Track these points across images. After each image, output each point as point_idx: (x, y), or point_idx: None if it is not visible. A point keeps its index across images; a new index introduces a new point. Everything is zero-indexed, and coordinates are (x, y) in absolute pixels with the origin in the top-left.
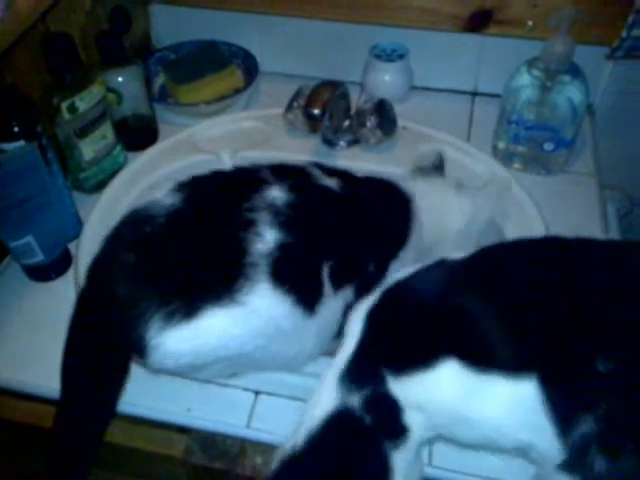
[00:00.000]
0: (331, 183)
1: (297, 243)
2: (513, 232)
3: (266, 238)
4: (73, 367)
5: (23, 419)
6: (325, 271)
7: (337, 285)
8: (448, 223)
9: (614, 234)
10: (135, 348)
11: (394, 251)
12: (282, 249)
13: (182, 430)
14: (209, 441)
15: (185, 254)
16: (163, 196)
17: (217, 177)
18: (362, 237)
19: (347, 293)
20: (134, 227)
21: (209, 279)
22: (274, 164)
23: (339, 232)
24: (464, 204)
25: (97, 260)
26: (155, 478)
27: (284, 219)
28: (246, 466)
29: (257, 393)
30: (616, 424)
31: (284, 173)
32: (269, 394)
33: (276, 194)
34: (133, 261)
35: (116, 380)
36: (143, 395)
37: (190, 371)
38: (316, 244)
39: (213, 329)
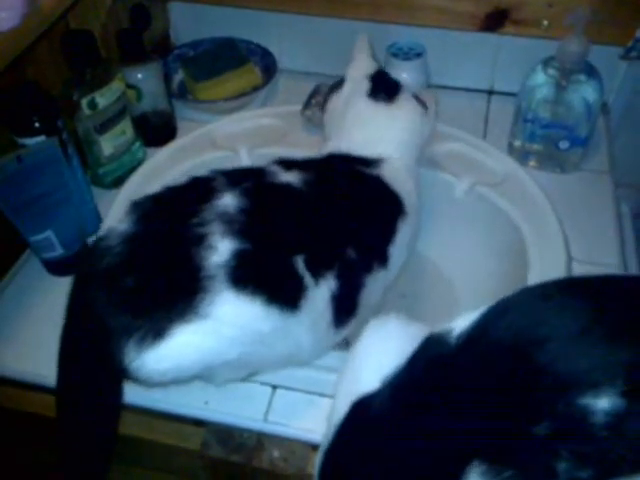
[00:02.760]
0: (290, 177)
1: (255, 246)
2: (528, 230)
3: (220, 249)
4: (68, 376)
5: (41, 411)
6: (300, 264)
7: (316, 275)
8: (423, 129)
9: (628, 233)
10: (122, 372)
11: (386, 231)
12: (239, 255)
13: (199, 423)
14: (226, 434)
15: (144, 278)
16: (118, 222)
17: (169, 193)
18: (330, 224)
19: (329, 282)
20: (96, 259)
21: (170, 299)
22: (230, 169)
23: (302, 224)
24: (415, 108)
25: (72, 294)
26: (172, 471)
27: (238, 226)
28: (263, 459)
29: (274, 387)
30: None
31: (238, 177)
32: (287, 388)
33: (228, 202)
34: (100, 294)
35: (113, 391)
36: (160, 388)
37: (191, 379)
38: (278, 241)
39: (186, 345)
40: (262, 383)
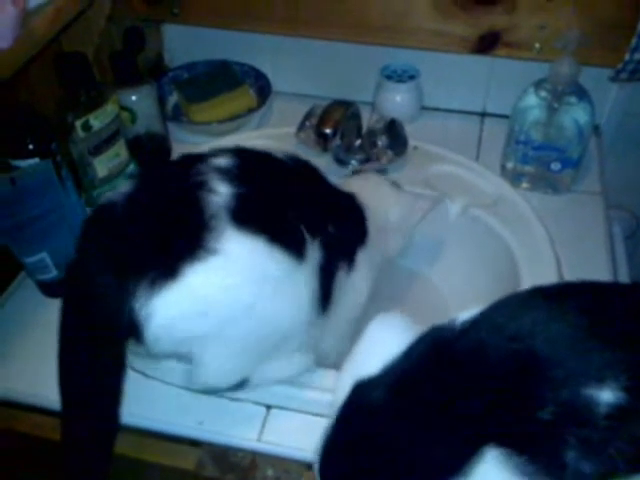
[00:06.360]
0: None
1: (251, 192)
2: (520, 250)
3: (220, 191)
4: (71, 375)
5: (36, 432)
6: (294, 216)
7: (311, 232)
8: (386, 212)
9: (620, 254)
10: (129, 328)
11: (357, 236)
12: (238, 197)
13: (194, 443)
14: (221, 454)
15: (151, 226)
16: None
17: (166, 163)
18: (314, 194)
19: (315, 251)
20: (99, 216)
21: (178, 240)
22: (219, 148)
23: (291, 186)
24: (401, 197)
25: (73, 258)
26: None
27: (232, 175)
28: (257, 478)
29: (268, 407)
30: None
31: (230, 150)
32: (280, 408)
33: (221, 161)
34: (104, 247)
35: (115, 383)
36: (155, 408)
37: (191, 352)
38: (272, 193)
39: (198, 285)
40: (256, 403)
